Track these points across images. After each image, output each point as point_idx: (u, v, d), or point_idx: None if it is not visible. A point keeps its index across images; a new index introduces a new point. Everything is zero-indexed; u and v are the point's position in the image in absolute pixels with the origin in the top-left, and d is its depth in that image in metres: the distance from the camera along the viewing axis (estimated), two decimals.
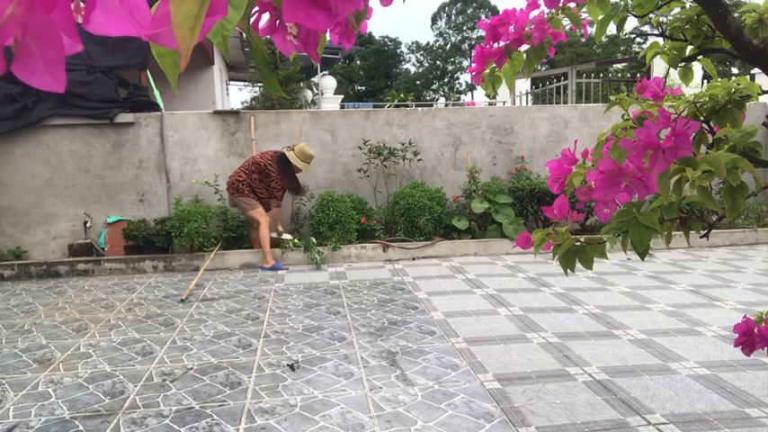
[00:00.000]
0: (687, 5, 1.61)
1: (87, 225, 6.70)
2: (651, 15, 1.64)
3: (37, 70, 0.37)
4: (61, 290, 5.59)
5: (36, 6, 0.35)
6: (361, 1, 0.72)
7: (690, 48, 1.63)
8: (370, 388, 2.96)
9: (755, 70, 9.91)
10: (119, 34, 0.40)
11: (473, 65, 1.73)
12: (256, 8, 0.71)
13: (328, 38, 0.88)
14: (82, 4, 0.39)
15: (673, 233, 1.46)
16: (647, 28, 1.69)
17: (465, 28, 47.80)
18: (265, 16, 0.72)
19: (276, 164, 6.19)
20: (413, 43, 54.50)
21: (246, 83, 15.24)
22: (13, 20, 0.35)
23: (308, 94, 14.16)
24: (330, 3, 0.64)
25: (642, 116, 1.41)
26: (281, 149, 6.35)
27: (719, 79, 1.47)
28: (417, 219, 6.60)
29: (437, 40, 50.03)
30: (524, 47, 1.67)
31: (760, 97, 1.47)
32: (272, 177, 6.17)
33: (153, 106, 6.98)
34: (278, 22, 0.72)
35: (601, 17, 1.63)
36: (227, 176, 6.89)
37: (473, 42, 44.80)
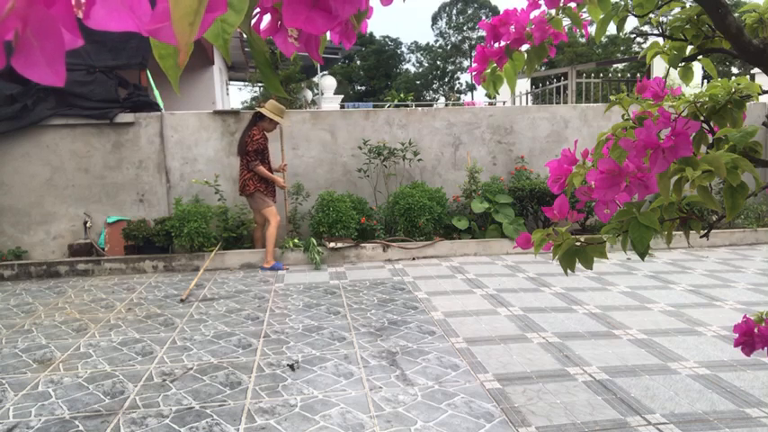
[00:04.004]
0: (687, 5, 1.61)
1: (87, 225, 6.70)
2: (651, 15, 1.64)
3: (37, 64, 0.37)
4: (61, 290, 5.59)
5: (36, 1, 0.36)
6: (361, 2, 0.72)
7: (690, 48, 1.63)
8: (370, 388, 2.96)
9: (755, 70, 9.92)
10: (119, 29, 0.40)
11: (474, 65, 1.73)
12: (257, 9, 0.71)
13: (328, 37, 0.88)
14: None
15: (673, 233, 1.46)
16: (647, 28, 1.69)
17: (465, 28, 47.81)
18: (267, 17, 0.72)
19: (251, 124, 6.22)
20: (412, 43, 54.51)
21: (246, 83, 15.25)
22: (13, 14, 0.35)
23: (308, 94, 14.16)
24: (330, 5, 0.64)
25: (642, 116, 1.41)
26: (256, 108, 6.39)
27: (719, 79, 1.47)
28: (417, 219, 6.60)
29: (437, 40, 50.06)
30: (525, 47, 1.67)
31: (760, 97, 1.47)
32: (254, 137, 6.10)
33: (153, 106, 6.98)
34: (279, 23, 0.72)
35: (601, 17, 1.63)
36: (228, 176, 6.91)
37: (474, 42, 44.80)
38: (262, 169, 6.13)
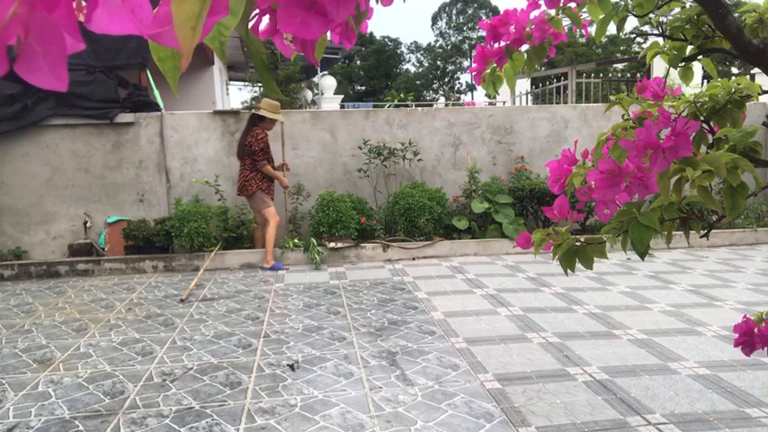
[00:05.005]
0: (687, 5, 1.61)
1: (87, 225, 6.70)
2: (651, 15, 1.64)
3: (40, 69, 0.37)
4: (61, 290, 5.59)
5: (38, 6, 0.36)
6: (356, 4, 0.72)
7: (690, 48, 1.63)
8: (370, 388, 2.96)
9: (755, 70, 9.91)
10: (121, 33, 0.40)
11: (474, 65, 1.73)
12: (256, 11, 0.71)
13: (329, 37, 0.88)
14: (84, 3, 0.39)
15: (673, 233, 1.46)
16: (647, 28, 1.69)
17: (465, 28, 47.77)
18: (265, 19, 0.73)
19: (250, 126, 6.22)
20: (412, 43, 54.45)
21: (246, 83, 15.23)
22: (15, 20, 0.35)
23: (308, 94, 14.15)
24: (325, 8, 0.64)
25: (642, 116, 1.41)
26: (253, 111, 6.40)
27: (719, 79, 1.47)
28: (417, 219, 6.60)
29: (437, 41, 50.00)
30: (525, 47, 1.67)
31: (760, 97, 1.47)
32: (258, 136, 6.10)
33: (153, 106, 6.98)
34: (278, 25, 0.72)
35: (601, 17, 1.63)
36: (228, 176, 6.91)
37: (474, 42, 44.74)
38: (269, 168, 6.15)
